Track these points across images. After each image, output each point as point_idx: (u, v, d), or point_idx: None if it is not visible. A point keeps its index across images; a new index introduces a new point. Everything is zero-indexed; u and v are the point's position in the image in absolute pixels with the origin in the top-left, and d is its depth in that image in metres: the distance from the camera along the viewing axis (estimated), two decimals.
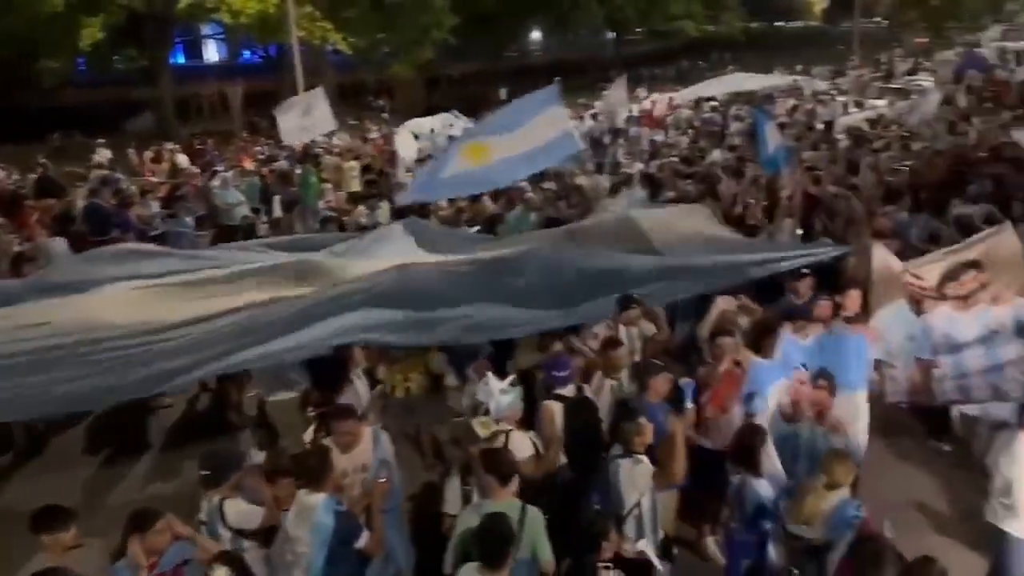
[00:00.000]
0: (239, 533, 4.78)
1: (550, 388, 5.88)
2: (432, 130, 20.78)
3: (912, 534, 6.19)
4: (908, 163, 13.22)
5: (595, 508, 5.08)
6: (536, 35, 55.08)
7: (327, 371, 6.49)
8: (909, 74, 31.35)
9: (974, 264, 6.86)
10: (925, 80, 27.37)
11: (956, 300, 6.77)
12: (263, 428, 6.55)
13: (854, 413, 6.40)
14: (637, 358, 6.58)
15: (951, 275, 6.89)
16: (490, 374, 5.69)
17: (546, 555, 4.48)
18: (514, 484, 4.66)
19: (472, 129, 9.77)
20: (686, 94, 26.04)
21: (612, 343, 6.35)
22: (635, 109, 24.30)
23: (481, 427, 5.43)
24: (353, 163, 17.97)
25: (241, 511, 4.83)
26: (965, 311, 6.72)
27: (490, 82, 40.34)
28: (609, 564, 4.46)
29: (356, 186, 16.86)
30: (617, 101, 20.40)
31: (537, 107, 8.86)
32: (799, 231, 10.51)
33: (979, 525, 5.37)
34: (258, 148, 22.82)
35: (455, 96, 34.27)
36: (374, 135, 24.22)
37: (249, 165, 19.58)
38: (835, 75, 33.26)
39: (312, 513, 4.57)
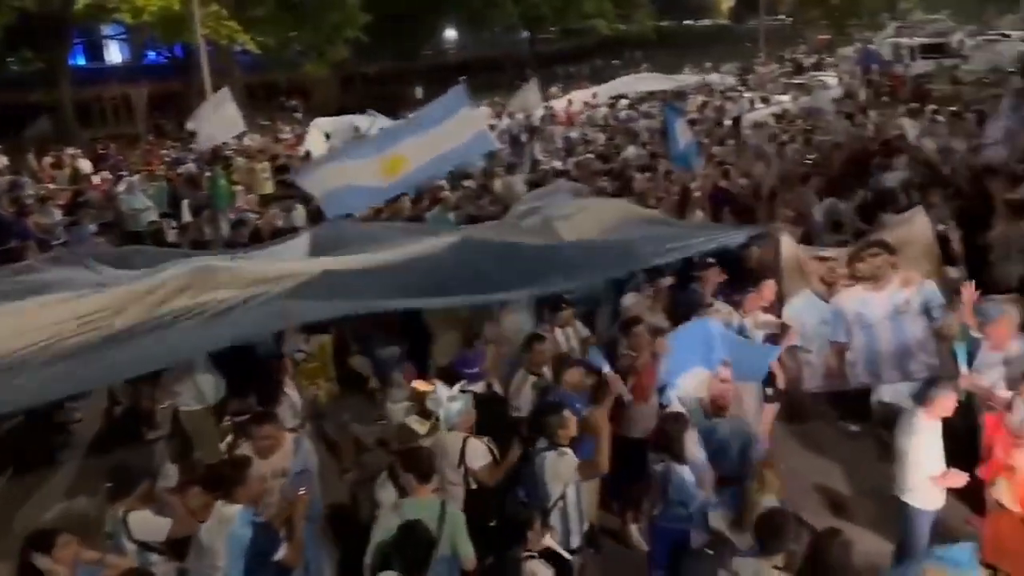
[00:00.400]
0: (144, 546, 4.62)
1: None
2: (357, 128, 20.59)
3: (823, 512, 6.47)
4: (811, 156, 13.73)
5: (520, 500, 5.11)
6: (451, 33, 54.94)
7: (248, 380, 6.35)
8: (814, 69, 32.53)
9: (884, 246, 7.13)
10: (827, 76, 28.41)
11: (868, 281, 7.04)
12: (177, 439, 6.36)
13: (760, 400, 6.64)
14: None
15: (857, 256, 7.16)
16: (439, 382, 5.68)
17: (466, 551, 4.50)
18: (434, 482, 4.64)
19: (386, 139, 9.59)
20: (604, 90, 26.48)
21: (534, 339, 6.39)
22: (551, 107, 24.50)
23: (418, 425, 5.44)
24: (264, 164, 17.62)
25: (146, 523, 4.67)
26: (877, 291, 7.00)
27: (406, 80, 40.14)
28: (534, 555, 4.47)
29: (268, 188, 16.54)
30: (531, 99, 20.53)
31: (448, 110, 8.88)
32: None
33: (888, 502, 5.58)
34: (164, 151, 22.12)
35: (370, 95, 33.91)
36: (286, 135, 23.79)
37: (157, 169, 19.00)
38: (743, 72, 34.29)
39: (229, 524, 4.46)
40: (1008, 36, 34.37)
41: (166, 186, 16.28)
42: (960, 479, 5.26)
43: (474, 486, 5.33)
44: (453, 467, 5.33)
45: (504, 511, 5.09)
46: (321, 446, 6.91)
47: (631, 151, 16.43)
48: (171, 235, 12.85)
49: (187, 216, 14.22)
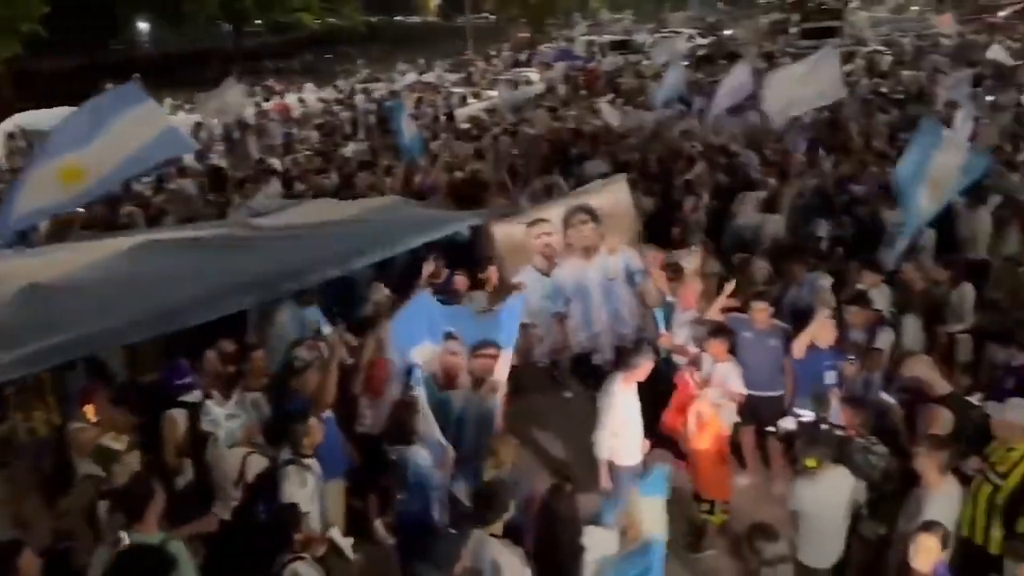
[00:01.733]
0: None
1: (173, 397, 5.58)
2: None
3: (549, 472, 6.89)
4: (517, 148, 14.54)
5: (282, 503, 4.91)
6: (145, 25, 50.76)
7: None
8: (525, 65, 34.24)
9: (590, 212, 7.66)
10: (531, 72, 30.08)
11: (581, 251, 7.60)
12: None
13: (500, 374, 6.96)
14: None
15: (569, 220, 7.64)
16: (210, 402, 5.45)
17: None
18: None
19: (55, 145, 8.56)
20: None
21: (248, 348, 6.12)
22: (259, 104, 23.74)
23: (113, 441, 5.17)
24: None
25: None
26: (588, 261, 7.61)
27: (94, 77, 36.32)
28: (302, 556, 4.36)
29: None
30: (233, 97, 19.57)
31: (120, 108, 8.23)
32: None
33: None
34: None
35: (52, 93, 30.17)
36: None
37: None
38: (454, 68, 35.29)
39: None
40: (679, 32, 38.82)
41: None
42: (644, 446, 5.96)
43: None
44: (232, 483, 5.21)
45: (271, 516, 4.93)
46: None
47: (351, 147, 16.36)
48: None
49: None
